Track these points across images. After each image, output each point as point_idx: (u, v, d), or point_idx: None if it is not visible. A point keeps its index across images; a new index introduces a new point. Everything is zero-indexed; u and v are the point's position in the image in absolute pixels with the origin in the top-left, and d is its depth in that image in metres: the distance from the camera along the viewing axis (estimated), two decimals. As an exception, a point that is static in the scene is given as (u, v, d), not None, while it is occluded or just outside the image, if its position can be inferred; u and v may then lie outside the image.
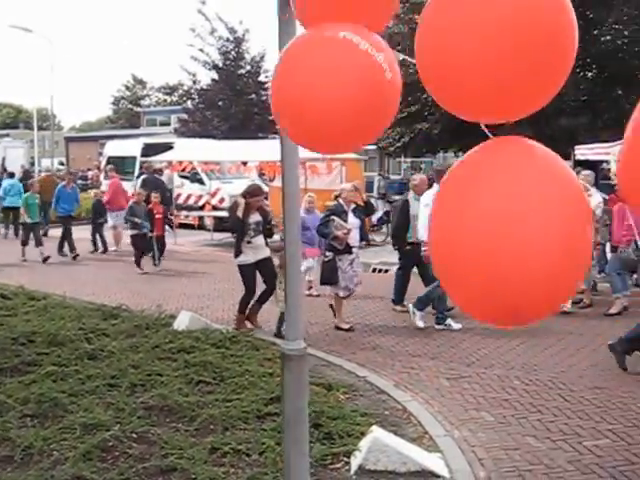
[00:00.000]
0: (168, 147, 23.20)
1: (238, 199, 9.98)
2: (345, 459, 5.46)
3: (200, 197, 22.48)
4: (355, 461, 5.33)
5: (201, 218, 21.16)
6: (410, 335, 9.58)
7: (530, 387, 7.36)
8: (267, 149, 17.13)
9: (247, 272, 9.82)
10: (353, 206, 10.13)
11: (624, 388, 7.29)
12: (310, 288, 12.20)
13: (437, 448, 5.82)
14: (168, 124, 53.85)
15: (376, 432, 5.50)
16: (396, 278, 11.26)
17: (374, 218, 20.58)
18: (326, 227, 9.81)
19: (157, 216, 15.29)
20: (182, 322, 9.14)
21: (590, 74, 23.92)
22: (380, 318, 9.97)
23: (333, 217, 9.82)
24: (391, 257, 17.02)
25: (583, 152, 15.79)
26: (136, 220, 14.85)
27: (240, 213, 9.65)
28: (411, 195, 10.73)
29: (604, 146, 14.32)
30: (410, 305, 10.12)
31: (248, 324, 9.83)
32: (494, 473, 5.39)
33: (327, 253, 9.97)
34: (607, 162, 14.15)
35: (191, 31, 35.60)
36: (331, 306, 10.19)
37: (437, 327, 9.83)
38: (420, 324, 9.86)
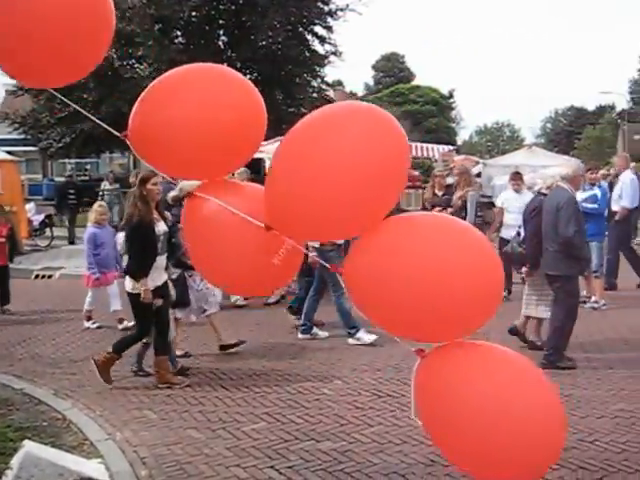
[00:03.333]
0: None
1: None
2: (-3, 480, 5.13)
3: None
4: (7, 480, 5.02)
5: None
6: (72, 340, 9.33)
7: (193, 379, 7.50)
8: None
9: (143, 303, 7.19)
10: None
11: (284, 370, 7.78)
12: (122, 321, 9.68)
13: (98, 453, 5.69)
14: None
15: (28, 446, 5.21)
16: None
17: (36, 221, 19.54)
18: (174, 237, 7.65)
19: None
20: None
21: (248, 77, 25.05)
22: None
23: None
24: (55, 262, 16.40)
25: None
26: None
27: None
28: None
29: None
30: (350, 340, 8.86)
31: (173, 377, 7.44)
32: (155, 470, 5.39)
33: (173, 269, 7.93)
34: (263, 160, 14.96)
35: None
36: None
37: (301, 336, 9.14)
38: (371, 338, 8.70)
